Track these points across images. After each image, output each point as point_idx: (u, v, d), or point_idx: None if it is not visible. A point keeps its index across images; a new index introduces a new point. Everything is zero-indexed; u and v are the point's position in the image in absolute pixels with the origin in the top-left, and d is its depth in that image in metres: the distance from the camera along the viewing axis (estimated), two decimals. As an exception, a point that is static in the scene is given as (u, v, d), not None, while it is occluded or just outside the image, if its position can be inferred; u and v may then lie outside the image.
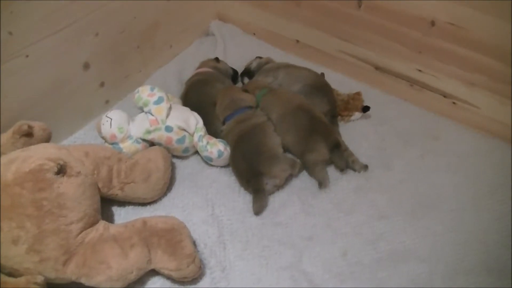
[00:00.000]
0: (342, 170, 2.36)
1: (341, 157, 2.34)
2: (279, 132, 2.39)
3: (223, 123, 2.45)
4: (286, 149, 2.39)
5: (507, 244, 2.08)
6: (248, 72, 2.87)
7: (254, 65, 2.87)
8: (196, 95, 2.57)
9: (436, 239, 2.11)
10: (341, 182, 2.33)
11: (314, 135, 2.33)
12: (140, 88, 2.36)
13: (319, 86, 2.64)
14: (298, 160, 2.33)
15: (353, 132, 2.58)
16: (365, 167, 2.39)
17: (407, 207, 2.23)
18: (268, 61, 2.87)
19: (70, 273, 1.77)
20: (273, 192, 2.28)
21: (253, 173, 2.22)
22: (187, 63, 2.97)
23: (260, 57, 2.90)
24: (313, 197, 2.27)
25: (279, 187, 2.29)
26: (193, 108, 2.45)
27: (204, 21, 3.23)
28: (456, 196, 2.28)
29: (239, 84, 2.89)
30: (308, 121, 2.37)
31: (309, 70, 2.74)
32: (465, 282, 1.95)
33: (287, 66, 2.78)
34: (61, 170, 1.80)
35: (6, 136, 1.99)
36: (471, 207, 2.23)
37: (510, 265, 2.01)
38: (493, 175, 2.36)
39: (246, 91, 2.58)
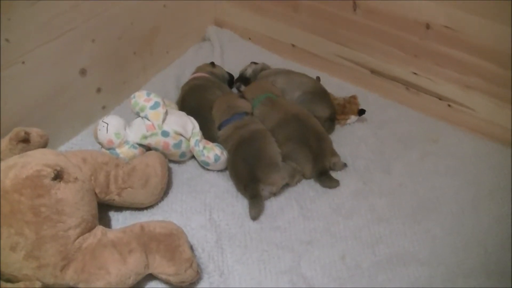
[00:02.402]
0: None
1: (325, 183, 2.33)
2: (274, 136, 2.40)
3: (219, 128, 2.45)
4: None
5: (507, 246, 2.09)
6: (243, 79, 2.86)
7: (249, 71, 2.86)
8: (192, 100, 2.57)
9: (435, 242, 2.12)
10: (340, 186, 2.33)
11: (305, 151, 2.33)
12: (136, 94, 2.36)
13: (318, 93, 2.65)
14: (298, 172, 2.33)
15: (351, 136, 2.60)
16: (344, 165, 2.42)
17: (406, 210, 2.24)
18: (264, 67, 2.87)
19: (69, 279, 1.76)
20: (268, 198, 2.27)
21: (251, 178, 2.22)
22: (185, 68, 2.97)
23: (255, 63, 2.90)
24: (311, 201, 2.27)
25: (274, 194, 2.28)
26: (190, 112, 2.44)
27: (201, 26, 3.23)
28: (455, 199, 2.28)
29: (235, 90, 2.89)
30: (304, 132, 2.37)
31: (307, 77, 2.74)
32: (465, 285, 1.95)
33: (287, 73, 2.78)
34: (59, 176, 1.79)
35: (4, 142, 1.98)
36: (471, 210, 2.24)
37: (510, 267, 2.01)
38: (492, 178, 2.38)
39: (242, 96, 2.59)
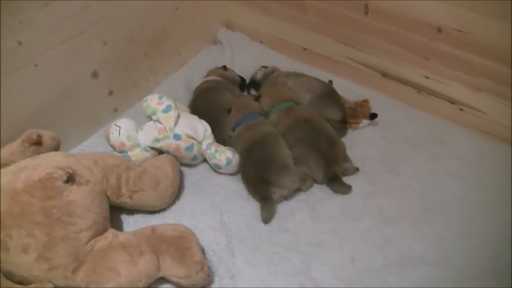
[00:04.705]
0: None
1: (337, 188, 2.32)
2: (284, 139, 2.40)
3: (233, 129, 2.47)
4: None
5: (516, 248, 2.09)
6: (254, 83, 2.87)
7: (259, 75, 2.86)
8: (204, 103, 2.58)
9: (444, 244, 2.11)
10: (348, 188, 2.33)
11: (316, 155, 2.33)
12: (149, 97, 2.37)
13: (329, 95, 2.65)
14: (309, 177, 2.33)
15: (360, 138, 2.60)
16: (357, 169, 2.41)
17: (415, 212, 2.24)
18: (274, 70, 2.87)
19: (80, 280, 1.77)
20: (279, 202, 2.27)
21: (261, 181, 2.22)
22: (195, 71, 2.98)
23: (266, 66, 2.90)
24: (321, 204, 2.27)
25: (286, 197, 2.28)
26: (202, 115, 2.45)
27: (212, 29, 3.25)
28: (464, 201, 2.28)
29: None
30: (315, 135, 2.37)
31: (318, 80, 2.74)
32: (473, 286, 1.95)
33: (298, 76, 2.78)
34: (70, 178, 1.81)
35: (16, 144, 1.99)
36: (479, 212, 2.23)
37: (519, 269, 2.01)
38: (501, 180, 2.36)
39: (258, 96, 2.61)
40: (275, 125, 2.47)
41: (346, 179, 2.35)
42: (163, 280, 1.92)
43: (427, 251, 2.09)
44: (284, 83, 2.71)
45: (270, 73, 2.84)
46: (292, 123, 2.44)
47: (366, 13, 2.68)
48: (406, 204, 2.27)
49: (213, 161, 2.34)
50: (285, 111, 2.51)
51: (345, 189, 2.32)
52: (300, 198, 2.29)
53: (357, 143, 2.56)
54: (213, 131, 2.40)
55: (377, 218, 2.21)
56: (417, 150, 2.54)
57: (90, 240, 1.83)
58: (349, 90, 2.84)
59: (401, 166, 2.45)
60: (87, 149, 2.46)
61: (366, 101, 2.69)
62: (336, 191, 2.32)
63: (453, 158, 2.49)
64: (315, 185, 2.35)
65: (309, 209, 2.25)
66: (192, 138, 2.32)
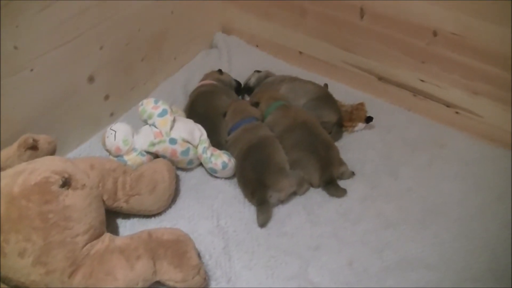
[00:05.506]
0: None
1: (332, 192, 2.32)
2: (281, 142, 2.40)
3: (229, 133, 2.47)
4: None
5: (515, 251, 2.09)
6: (248, 89, 2.87)
7: (253, 80, 2.87)
8: (201, 107, 2.58)
9: (444, 247, 2.11)
10: (347, 191, 2.32)
11: (313, 159, 2.33)
12: (144, 101, 2.37)
13: (324, 98, 2.66)
14: (306, 181, 2.32)
15: (359, 141, 2.60)
16: (352, 173, 2.41)
17: (414, 215, 2.23)
18: (268, 74, 2.87)
19: (77, 284, 1.76)
20: (276, 206, 2.26)
21: (259, 184, 2.21)
22: (192, 74, 2.98)
23: (259, 71, 2.90)
24: (318, 207, 2.27)
25: (282, 201, 2.27)
26: (198, 119, 2.45)
27: (208, 32, 3.25)
28: (463, 204, 2.28)
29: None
30: (312, 139, 2.37)
31: (313, 84, 2.74)
32: (473, 288, 1.96)
33: (292, 80, 2.78)
34: (66, 183, 1.80)
35: (12, 149, 1.99)
36: (479, 215, 2.23)
37: (518, 272, 2.00)
38: (499, 183, 2.37)
39: (256, 103, 2.61)
40: (272, 126, 2.48)
41: (344, 182, 2.35)
42: (159, 284, 1.90)
43: (426, 253, 2.08)
44: (275, 90, 2.71)
45: (263, 78, 2.84)
46: (290, 124, 2.44)
47: (362, 16, 2.69)
48: (406, 206, 2.27)
49: (209, 165, 2.34)
50: (282, 110, 2.52)
51: (341, 192, 2.32)
52: (298, 202, 2.29)
53: (356, 146, 2.56)
54: (210, 135, 2.40)
55: (376, 221, 2.21)
56: (416, 152, 2.54)
57: (86, 244, 1.82)
58: (345, 94, 2.85)
59: (400, 168, 2.45)
60: (84, 153, 2.45)
61: (361, 104, 2.70)
62: (332, 194, 2.32)
63: (453, 161, 2.49)
64: (313, 189, 2.35)
65: (307, 213, 2.24)
66: (188, 142, 2.32)
